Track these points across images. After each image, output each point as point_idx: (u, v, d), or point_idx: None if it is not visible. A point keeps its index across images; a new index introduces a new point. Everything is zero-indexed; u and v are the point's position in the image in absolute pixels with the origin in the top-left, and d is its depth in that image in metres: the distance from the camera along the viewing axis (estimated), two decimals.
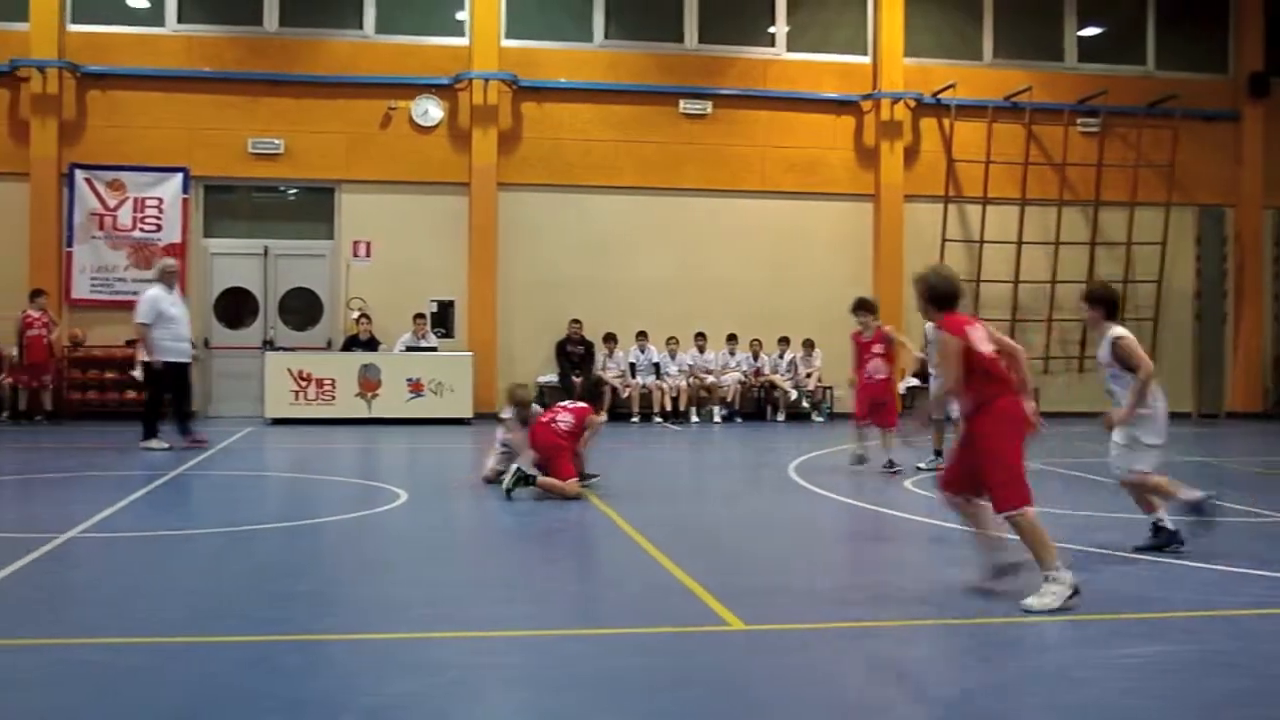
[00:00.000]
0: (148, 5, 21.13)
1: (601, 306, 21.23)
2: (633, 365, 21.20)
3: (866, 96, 22.58)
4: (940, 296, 7.28)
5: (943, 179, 22.76)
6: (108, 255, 20.66)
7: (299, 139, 21.03)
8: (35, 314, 19.48)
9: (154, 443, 15.15)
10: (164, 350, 15.22)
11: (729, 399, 21.35)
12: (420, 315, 20.59)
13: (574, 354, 20.95)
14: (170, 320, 15.23)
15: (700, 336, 21.71)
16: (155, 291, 15.36)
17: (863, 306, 13.83)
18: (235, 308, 21.21)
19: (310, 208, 21.63)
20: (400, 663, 5.84)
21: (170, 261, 16.65)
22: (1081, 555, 8.40)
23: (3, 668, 5.79)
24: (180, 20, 21.12)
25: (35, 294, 19.67)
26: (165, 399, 15.53)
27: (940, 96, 22.61)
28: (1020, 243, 22.96)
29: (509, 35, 21.62)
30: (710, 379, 21.34)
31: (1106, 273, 23.31)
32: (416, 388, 19.69)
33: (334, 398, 19.50)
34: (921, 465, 13.48)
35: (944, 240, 22.60)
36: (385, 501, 11.10)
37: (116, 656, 5.95)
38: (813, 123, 22.55)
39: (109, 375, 20.06)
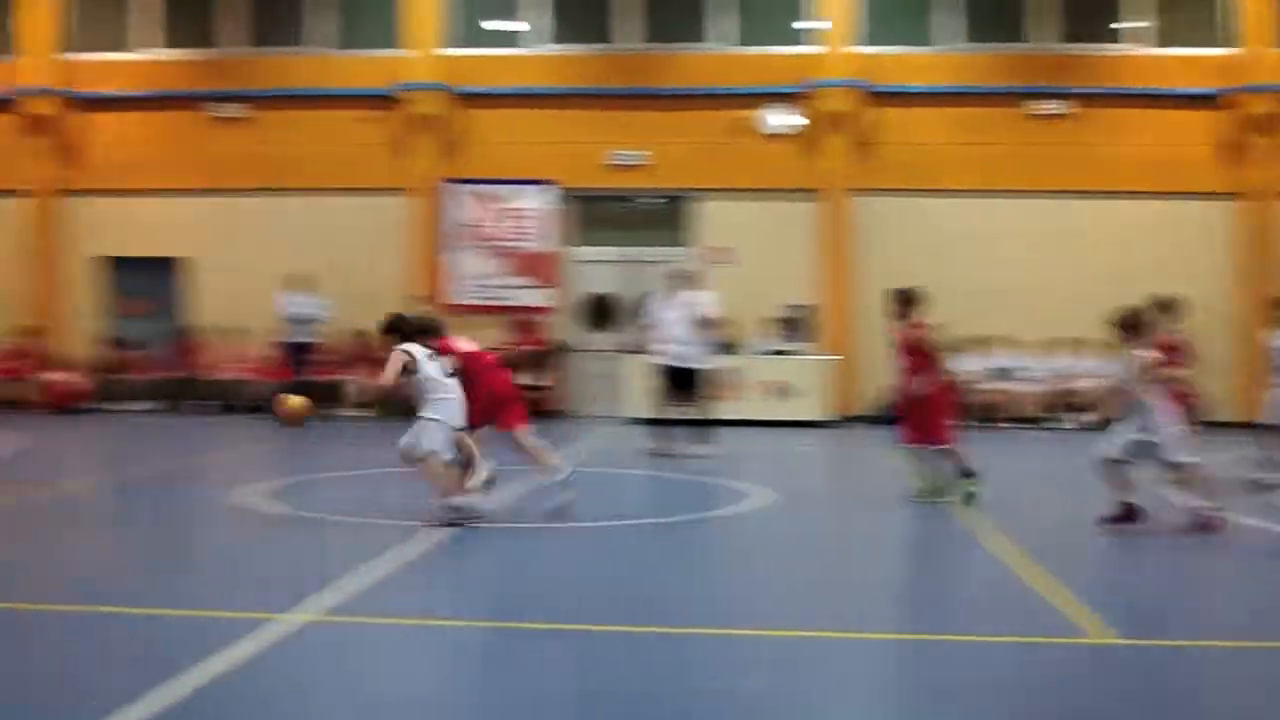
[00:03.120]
0: (516, 28, 22.40)
1: (955, 310, 20.95)
2: (989, 369, 21.00)
3: (1231, 90, 21.68)
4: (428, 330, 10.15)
5: None
6: (482, 264, 22.01)
7: (659, 150, 21.84)
8: None
9: (700, 448, 15.36)
10: (653, 353, 15.70)
11: (1090, 405, 20.88)
12: (775, 319, 21.06)
13: None
14: (661, 323, 15.62)
15: (1058, 342, 21.32)
16: (660, 295, 15.84)
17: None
18: (600, 312, 22.22)
19: (669, 216, 22.42)
20: (755, 659, 6.08)
21: (676, 265, 17.26)
22: None
23: (392, 644, 6.40)
24: (547, 41, 22.29)
25: (415, 300, 21.10)
26: (675, 402, 15.60)
27: None
28: None
29: (859, 42, 21.83)
30: (1069, 384, 20.96)
31: None
32: (772, 390, 20.12)
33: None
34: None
35: None
36: (745, 501, 11.51)
37: (495, 639, 6.47)
38: (1172, 119, 21.80)
39: None
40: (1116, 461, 9.82)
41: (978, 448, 11.66)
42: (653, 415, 16.09)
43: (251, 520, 10.38)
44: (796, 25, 22.15)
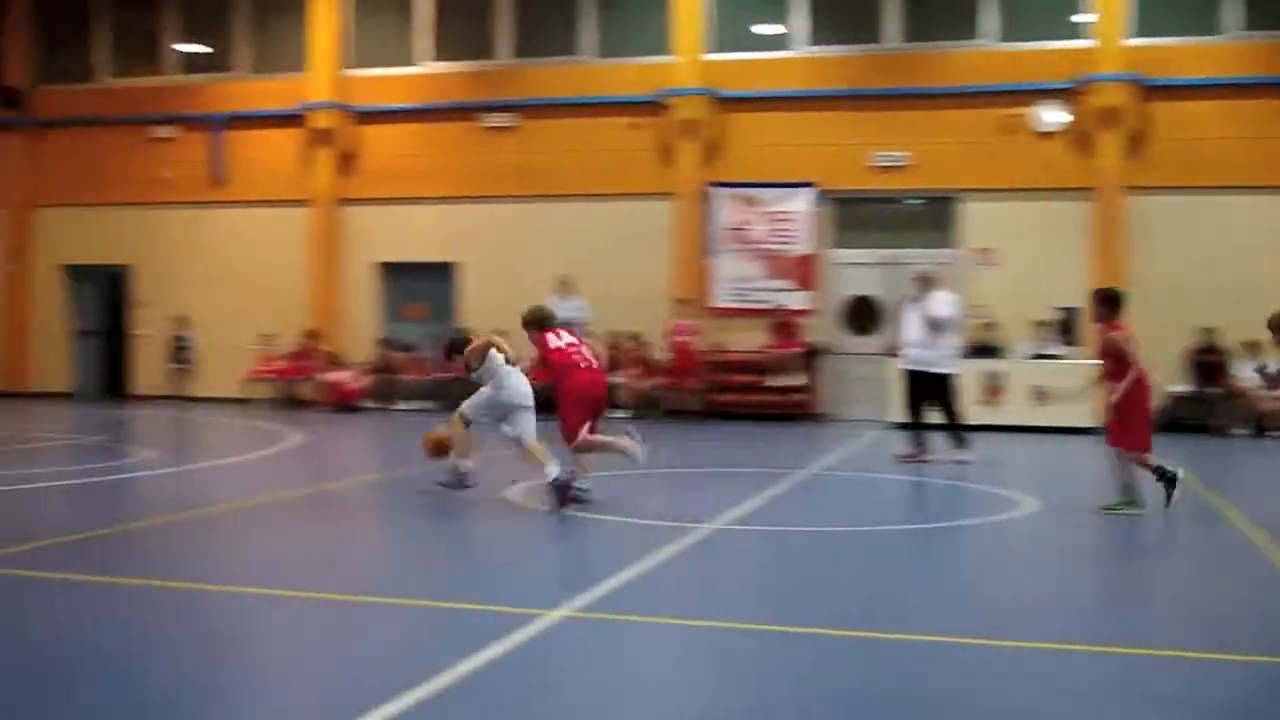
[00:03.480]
0: (777, 31, 22.42)
1: (1238, 312, 19.99)
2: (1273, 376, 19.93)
3: None
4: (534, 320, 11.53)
5: None
6: (744, 267, 22.11)
7: (921, 150, 21.52)
8: (682, 322, 21.26)
9: (957, 453, 15.05)
10: (899, 356, 15.52)
11: None
12: (1042, 322, 20.49)
13: (1206, 362, 20.06)
14: (905, 326, 15.45)
15: None
16: (907, 298, 15.74)
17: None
18: (861, 315, 22.00)
19: (932, 217, 22.04)
20: (1026, 673, 5.95)
21: (920, 267, 17.18)
22: None
23: (648, 643, 6.49)
24: (808, 43, 22.24)
25: (681, 303, 21.45)
26: (920, 407, 15.23)
27: None
28: None
29: (1135, 34, 21.03)
30: None
31: None
32: (1040, 396, 19.59)
33: None
34: None
35: None
36: (1013, 509, 11.26)
37: (743, 641, 6.49)
38: None
39: (746, 379, 21.46)
40: None
41: (1261, 458, 11.15)
42: (903, 420, 15.82)
43: (518, 517, 10.68)
44: (1067, 19, 21.47)
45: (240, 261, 24.68)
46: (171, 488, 12.78)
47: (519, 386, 11.28)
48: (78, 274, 26.33)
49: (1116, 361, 10.81)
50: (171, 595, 7.54)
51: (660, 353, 21.75)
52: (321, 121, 24.06)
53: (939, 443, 15.16)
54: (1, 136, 26.19)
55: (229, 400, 23.71)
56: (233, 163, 24.86)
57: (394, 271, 24.31)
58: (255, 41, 25.10)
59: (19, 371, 26.22)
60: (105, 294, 26.48)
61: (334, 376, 22.97)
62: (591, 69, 23.06)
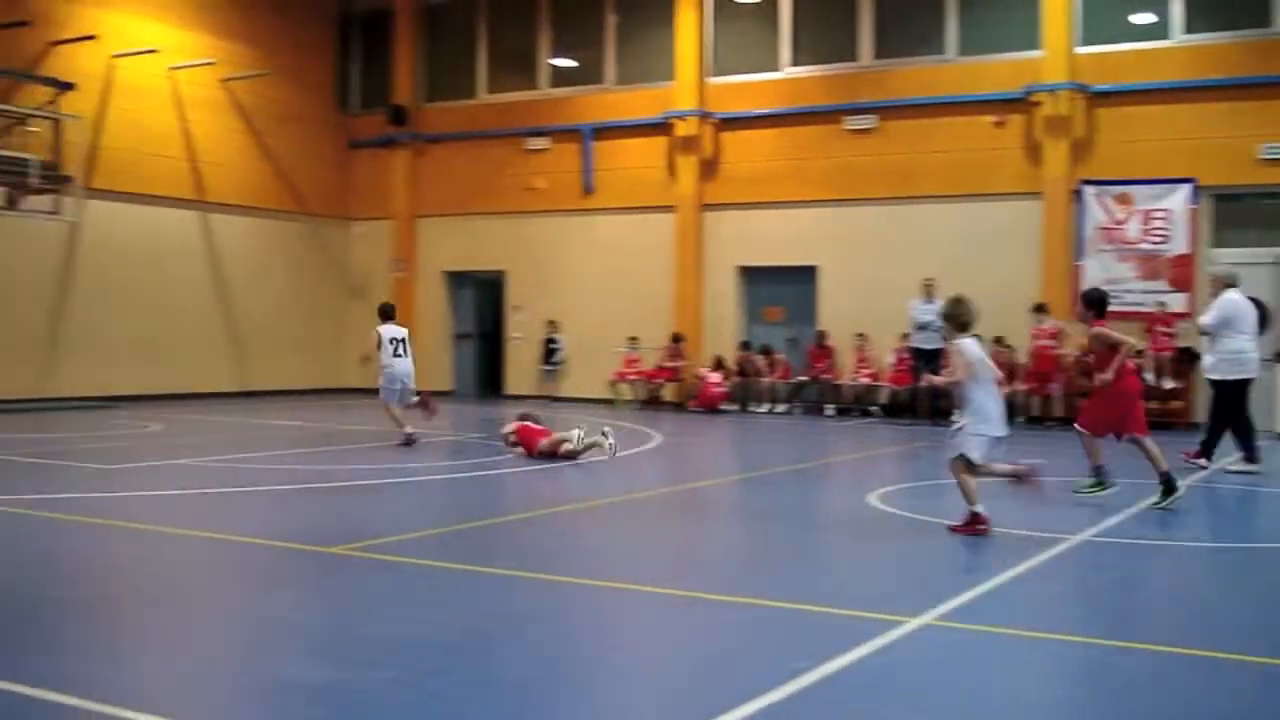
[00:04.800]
0: (1153, 20, 21.40)
1: None
2: None
3: None
4: None
5: None
6: (1115, 268, 21.18)
7: None
8: (1043, 327, 20.61)
9: (1233, 464, 14.12)
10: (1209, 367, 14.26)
11: None
12: None
13: None
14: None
15: None
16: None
17: None
18: None
19: None
20: None
21: (1214, 268, 16.30)
22: None
23: (1007, 654, 6.26)
24: (1185, 31, 21.12)
25: (1039, 308, 20.77)
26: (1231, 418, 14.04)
27: None
28: None
29: None
30: None
31: None
32: None
33: None
34: None
35: None
36: None
37: (1119, 658, 6.19)
38: None
39: None
40: None
41: None
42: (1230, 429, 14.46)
43: (880, 522, 10.59)
44: None
45: (608, 267, 25.49)
46: (538, 483, 13.28)
47: (391, 367, 16.56)
48: (456, 280, 27.81)
49: (1110, 350, 11.17)
50: (533, 585, 7.84)
51: (1023, 357, 21.14)
52: (685, 129, 24.57)
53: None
54: (390, 151, 27.97)
55: (595, 400, 24.50)
56: (601, 171, 25.69)
57: (754, 275, 24.56)
58: (622, 54, 25.88)
59: None
60: (482, 299, 27.87)
61: (698, 378, 23.38)
62: (954, 67, 22.66)
